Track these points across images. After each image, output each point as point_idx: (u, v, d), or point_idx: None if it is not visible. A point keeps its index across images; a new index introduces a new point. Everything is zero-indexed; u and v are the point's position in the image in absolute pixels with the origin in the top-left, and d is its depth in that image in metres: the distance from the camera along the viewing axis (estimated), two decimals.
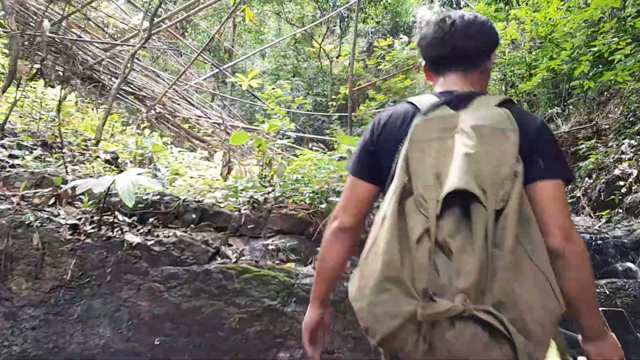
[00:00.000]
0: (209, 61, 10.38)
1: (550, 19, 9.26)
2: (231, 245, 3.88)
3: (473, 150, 1.13)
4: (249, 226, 4.10)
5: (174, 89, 9.59)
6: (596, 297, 1.32)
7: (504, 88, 13.41)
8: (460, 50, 1.41)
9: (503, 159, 1.14)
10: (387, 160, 1.34)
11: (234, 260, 3.57)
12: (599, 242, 5.10)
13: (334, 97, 11.61)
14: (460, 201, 1.11)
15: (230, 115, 11.40)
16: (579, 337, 1.34)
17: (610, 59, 7.57)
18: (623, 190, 8.38)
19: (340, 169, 5.63)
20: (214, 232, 3.94)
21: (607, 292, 4.17)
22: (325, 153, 9.11)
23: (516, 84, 12.83)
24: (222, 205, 4.31)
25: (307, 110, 12.03)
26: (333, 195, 4.91)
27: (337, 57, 14.24)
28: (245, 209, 4.22)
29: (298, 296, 3.42)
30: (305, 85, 19.74)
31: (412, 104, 1.42)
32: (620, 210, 8.41)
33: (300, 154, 8.51)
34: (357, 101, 13.60)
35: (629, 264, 4.96)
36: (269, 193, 4.90)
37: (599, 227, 8.46)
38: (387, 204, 1.20)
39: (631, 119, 9.25)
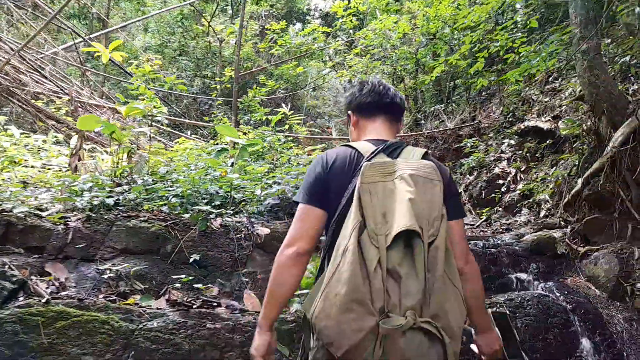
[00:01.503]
0: (68, 28, 8.59)
1: (441, 15, 9.03)
2: (48, 275, 2.73)
3: (414, 196, 1.42)
4: (80, 245, 2.97)
5: (21, 55, 7.74)
6: (484, 301, 1.77)
7: (392, 82, 13.24)
8: (392, 100, 1.82)
9: (434, 204, 1.47)
10: (336, 194, 1.59)
11: (46, 298, 2.46)
12: (492, 250, 4.76)
13: (220, 80, 10.49)
14: (404, 236, 1.39)
15: (98, 94, 9.64)
16: (472, 331, 1.80)
17: (505, 57, 7.43)
18: (503, 188, 8.49)
19: (215, 164, 4.62)
20: (22, 256, 2.76)
21: (508, 312, 3.75)
22: (207, 142, 7.96)
23: (405, 79, 12.72)
24: (43, 214, 3.11)
25: (191, 93, 10.71)
26: (203, 201, 3.91)
27: (227, 36, 12.99)
28: (76, 220, 3.07)
29: (138, 349, 2.42)
30: (193, 66, 18.08)
31: (353, 148, 1.70)
32: (500, 209, 8.53)
33: (177, 143, 7.24)
34: (246, 86, 12.50)
35: (521, 274, 4.68)
36: (120, 195, 3.75)
37: (479, 225, 8.51)
38: (347, 238, 1.41)
39: (510, 119, 9.45)
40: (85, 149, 5.52)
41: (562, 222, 5.36)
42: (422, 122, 12.01)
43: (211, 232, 3.64)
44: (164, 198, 3.81)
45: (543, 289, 4.53)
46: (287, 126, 8.38)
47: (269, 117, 7.46)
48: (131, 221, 3.21)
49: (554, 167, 7.87)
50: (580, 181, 5.24)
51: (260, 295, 3.50)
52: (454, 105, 11.57)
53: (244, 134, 7.51)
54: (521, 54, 5.67)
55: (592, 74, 4.85)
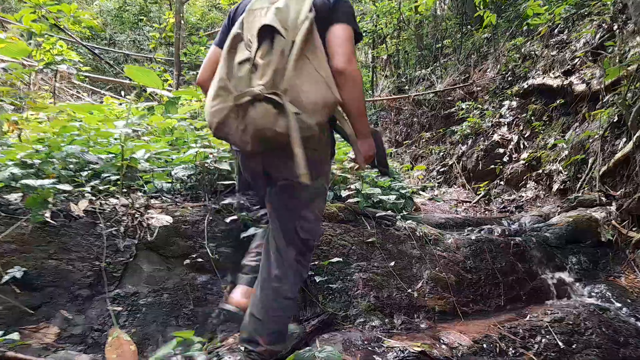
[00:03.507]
0: None
1: None
2: None
3: (282, 5, 1.61)
4: None
5: None
6: (364, 110, 1.78)
7: (372, 42, 11.58)
8: None
9: (300, 12, 1.61)
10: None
11: None
12: (516, 239, 3.27)
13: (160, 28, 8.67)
14: (271, 38, 1.55)
15: None
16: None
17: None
18: (504, 159, 7.04)
19: (109, 124, 3.01)
20: None
21: (562, 346, 2.26)
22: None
23: (386, 40, 11.08)
24: None
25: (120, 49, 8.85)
26: (82, 174, 2.29)
27: None
28: None
29: None
30: (157, 34, 16.11)
31: None
32: (501, 182, 7.09)
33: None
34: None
35: (559, 274, 3.20)
36: None
37: (477, 201, 7.06)
38: (225, 46, 1.65)
39: (509, 79, 7.94)
40: None
41: (603, 198, 3.88)
42: (407, 87, 10.42)
43: (61, 226, 2.02)
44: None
45: (594, 296, 3.04)
46: None
47: None
48: None
49: (569, 131, 6.40)
50: (629, 143, 3.75)
51: (143, 335, 1.93)
52: (441, 69, 10.00)
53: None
54: None
55: None
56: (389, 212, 2.98)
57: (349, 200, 2.82)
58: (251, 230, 2.26)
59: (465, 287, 2.81)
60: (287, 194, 1.74)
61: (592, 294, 3.07)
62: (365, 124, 1.79)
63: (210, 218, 2.36)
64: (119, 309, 1.96)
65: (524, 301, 2.94)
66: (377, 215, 2.82)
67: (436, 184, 8.21)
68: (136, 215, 2.24)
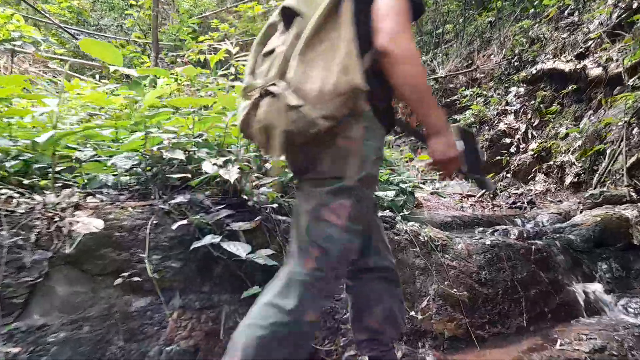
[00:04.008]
0: None
1: None
2: None
3: None
4: None
5: None
6: (429, 97, 1.31)
7: None
8: None
9: None
10: None
11: None
12: (538, 243, 2.74)
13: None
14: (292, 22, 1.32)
15: None
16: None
17: None
18: (512, 149, 6.49)
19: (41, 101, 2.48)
20: None
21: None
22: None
23: None
24: None
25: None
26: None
27: None
28: None
29: None
30: (147, 20, 15.49)
31: None
32: (507, 175, 6.55)
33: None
34: (198, 34, 10.02)
35: (589, 285, 2.67)
36: None
37: (479, 196, 6.52)
38: (257, 37, 1.49)
39: (516, 64, 7.37)
40: None
41: (633, 194, 3.35)
42: None
43: None
44: None
45: (631, 312, 2.52)
46: (231, 69, 6.06)
47: (208, 56, 5.21)
48: None
49: (582, 119, 5.85)
50: None
51: None
52: (442, 55, 9.41)
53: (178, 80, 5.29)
54: None
55: None
56: (387, 212, 2.44)
57: None
58: (208, 238, 1.72)
59: (480, 305, 2.27)
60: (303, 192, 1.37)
61: (629, 309, 2.54)
62: (433, 116, 1.32)
63: (155, 222, 1.81)
64: (16, 350, 1.42)
65: (550, 320, 2.41)
66: None
67: (438, 177, 7.67)
68: (55, 219, 1.69)
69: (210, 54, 6.31)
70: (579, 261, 2.82)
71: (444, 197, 5.63)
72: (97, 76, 6.13)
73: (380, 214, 2.31)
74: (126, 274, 1.64)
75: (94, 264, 1.65)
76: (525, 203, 4.88)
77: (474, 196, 6.30)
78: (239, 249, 1.68)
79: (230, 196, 2.07)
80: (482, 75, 8.13)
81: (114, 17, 15.61)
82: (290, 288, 1.27)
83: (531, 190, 5.93)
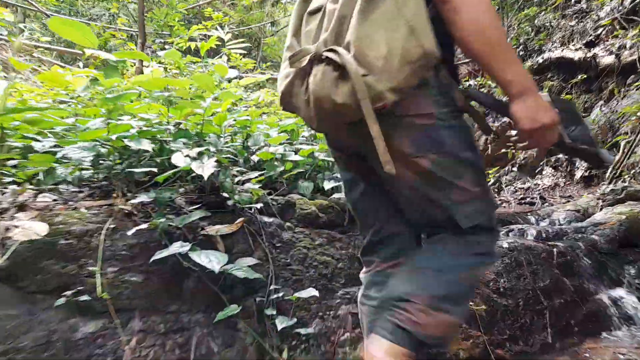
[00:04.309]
0: None
1: None
2: None
3: None
4: None
5: None
6: (504, 48, 1.02)
7: None
8: None
9: None
10: None
11: None
12: (559, 245, 2.43)
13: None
14: None
15: None
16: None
17: None
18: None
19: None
20: None
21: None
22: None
23: None
24: None
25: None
26: None
27: None
28: None
29: None
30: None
31: None
32: (513, 168, 6.24)
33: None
34: (191, 22, 9.63)
35: (618, 291, 2.36)
36: None
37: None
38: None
39: (521, 53, 7.04)
40: None
41: None
42: None
43: None
44: None
45: None
46: (223, 58, 5.77)
47: (199, 44, 4.88)
48: None
49: (592, 110, 5.54)
50: None
51: None
52: None
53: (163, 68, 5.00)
54: None
55: None
56: None
57: (335, 195, 1.96)
58: (175, 247, 1.40)
59: (499, 319, 1.96)
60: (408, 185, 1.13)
61: None
62: (513, 71, 1.02)
63: (113, 226, 1.49)
64: None
65: (577, 334, 2.10)
66: None
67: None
68: None
69: (203, 40, 5.97)
70: (605, 265, 2.51)
71: None
72: (81, 64, 5.78)
73: None
74: (72, 291, 1.32)
75: (32, 279, 1.32)
76: (537, 198, 4.56)
77: None
78: (212, 260, 1.36)
79: (208, 194, 1.75)
80: None
81: (107, 8, 15.19)
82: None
83: (539, 184, 5.63)
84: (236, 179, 1.81)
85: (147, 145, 1.63)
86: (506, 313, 2.00)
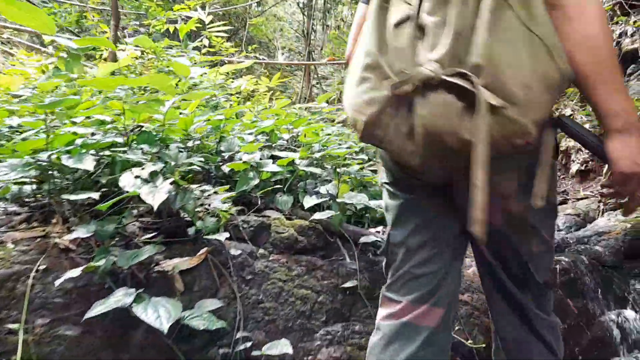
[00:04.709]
0: None
1: None
2: None
3: None
4: None
5: None
6: (613, 69, 0.86)
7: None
8: None
9: None
10: None
11: None
12: (563, 260, 2.22)
13: None
14: None
15: None
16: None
17: None
18: None
19: None
20: None
21: None
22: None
23: None
24: None
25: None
26: None
27: None
28: None
29: None
30: None
31: None
32: None
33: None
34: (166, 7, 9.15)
35: (625, 313, 2.17)
36: None
37: None
38: (371, 3, 1.00)
39: None
40: None
41: None
42: None
43: None
44: None
45: None
46: (204, 41, 5.44)
47: (178, 25, 4.54)
48: None
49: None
50: None
51: None
52: None
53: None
54: None
55: None
56: (381, 230, 1.89)
57: (317, 215, 1.71)
58: (116, 297, 1.14)
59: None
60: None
61: None
62: (618, 100, 0.87)
63: (44, 266, 1.23)
64: None
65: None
66: (361, 241, 1.71)
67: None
68: None
69: (184, 21, 5.61)
70: (610, 280, 2.32)
71: None
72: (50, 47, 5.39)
73: (372, 237, 1.75)
74: None
75: None
76: None
77: None
78: (161, 315, 1.11)
79: (165, 219, 1.49)
80: None
81: None
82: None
83: None
84: (199, 201, 1.55)
85: (89, 164, 1.35)
86: None
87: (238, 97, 4.62)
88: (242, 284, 1.45)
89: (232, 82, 4.74)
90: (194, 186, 1.54)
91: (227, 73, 5.40)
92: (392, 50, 0.91)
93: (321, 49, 13.25)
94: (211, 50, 5.79)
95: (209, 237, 1.39)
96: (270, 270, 1.52)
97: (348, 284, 1.60)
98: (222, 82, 4.59)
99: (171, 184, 1.37)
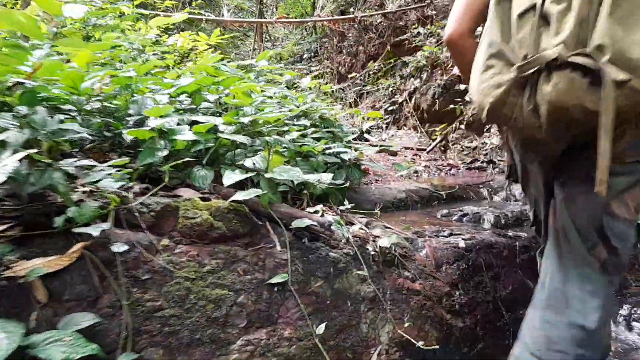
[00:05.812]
0: None
1: None
2: None
3: None
4: None
5: None
6: None
7: None
8: None
9: None
10: None
11: None
12: (521, 235, 2.00)
13: None
14: None
15: None
16: None
17: None
18: (467, 97, 5.75)
19: None
20: None
21: None
22: None
23: None
24: None
25: None
26: None
27: None
28: None
29: None
30: None
31: None
32: (461, 126, 5.85)
33: None
34: None
35: (633, 336, 2.00)
36: None
37: (432, 149, 5.82)
38: None
39: None
40: None
41: None
42: (352, 9, 8.73)
43: None
44: None
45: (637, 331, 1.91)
46: None
47: None
48: None
49: None
50: None
51: None
52: None
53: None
54: None
55: None
56: (320, 210, 1.58)
57: (238, 194, 1.37)
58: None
59: (452, 347, 1.52)
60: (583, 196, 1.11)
61: (634, 324, 1.92)
62: None
63: None
64: None
65: None
66: (294, 225, 1.40)
67: (384, 126, 6.91)
68: None
69: None
70: None
71: (393, 154, 4.86)
72: None
73: (307, 221, 1.43)
74: None
75: None
76: (485, 163, 4.19)
77: (425, 150, 5.60)
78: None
79: (26, 204, 1.11)
80: (434, 12, 7.22)
81: None
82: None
83: (486, 143, 5.29)
84: (80, 180, 1.17)
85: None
86: (463, 339, 1.56)
87: (176, 56, 4.12)
88: (135, 287, 1.11)
89: (168, 38, 4.21)
90: (69, 160, 1.16)
91: (165, 29, 4.84)
92: (515, 39, 0.97)
93: (276, 8, 12.53)
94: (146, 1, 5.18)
95: (79, 229, 1.02)
96: (174, 266, 1.18)
97: (276, 279, 1.29)
98: (156, 38, 4.06)
99: (24, 158, 0.98)
